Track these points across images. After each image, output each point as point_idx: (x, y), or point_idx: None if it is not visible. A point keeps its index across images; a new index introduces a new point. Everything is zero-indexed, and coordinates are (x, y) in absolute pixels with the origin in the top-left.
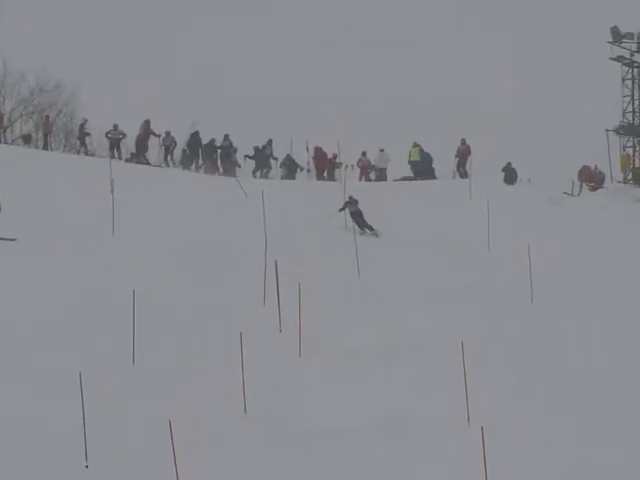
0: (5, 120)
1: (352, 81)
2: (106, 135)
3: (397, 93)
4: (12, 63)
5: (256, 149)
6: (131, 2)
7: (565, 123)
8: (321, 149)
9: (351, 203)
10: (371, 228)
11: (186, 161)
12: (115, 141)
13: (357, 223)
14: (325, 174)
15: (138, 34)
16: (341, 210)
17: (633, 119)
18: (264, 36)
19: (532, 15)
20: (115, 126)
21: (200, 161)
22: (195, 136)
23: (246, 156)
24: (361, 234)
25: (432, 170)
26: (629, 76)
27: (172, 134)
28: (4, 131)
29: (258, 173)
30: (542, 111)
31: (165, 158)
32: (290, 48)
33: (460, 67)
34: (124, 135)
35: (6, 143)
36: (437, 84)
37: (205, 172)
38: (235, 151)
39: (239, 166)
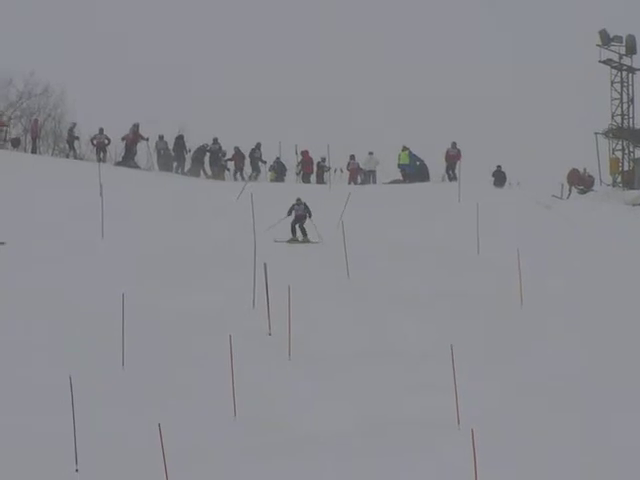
0: None
1: (347, 79)
2: (91, 141)
3: (392, 92)
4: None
5: (236, 150)
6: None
7: (554, 125)
8: (308, 153)
9: (299, 204)
10: (305, 234)
11: (168, 163)
12: (101, 145)
13: (292, 229)
14: (314, 177)
15: (129, 30)
16: (289, 214)
17: (622, 122)
18: (256, 32)
19: (538, 19)
20: (101, 130)
21: (186, 165)
22: (180, 139)
23: (227, 160)
24: (296, 241)
25: (426, 171)
26: (618, 79)
27: (165, 138)
28: None
29: (238, 175)
30: (531, 112)
31: (158, 162)
32: (284, 44)
33: (452, 66)
34: (109, 140)
35: None
36: (432, 82)
37: (190, 175)
38: (224, 154)
39: (228, 169)
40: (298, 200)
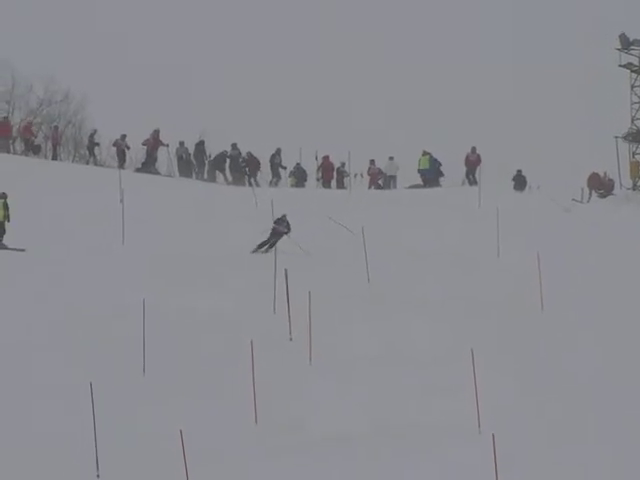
0: (14, 131)
1: (347, 80)
2: (114, 144)
3: (392, 92)
4: (20, 74)
5: (249, 155)
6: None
7: (574, 130)
8: (328, 158)
9: (282, 220)
10: (271, 246)
11: (189, 169)
12: (120, 151)
13: (264, 241)
14: (334, 182)
15: (129, 30)
16: (274, 223)
17: None
18: (256, 33)
19: (538, 19)
20: (123, 136)
21: (205, 170)
22: (200, 145)
23: (245, 165)
24: (262, 252)
25: (440, 174)
26: (638, 83)
27: (185, 144)
28: (13, 141)
29: (252, 180)
30: (551, 118)
31: (178, 168)
32: (284, 44)
33: (466, 72)
34: (128, 147)
35: (15, 153)
36: (433, 82)
37: (209, 181)
38: (244, 160)
39: (248, 175)
40: (283, 216)
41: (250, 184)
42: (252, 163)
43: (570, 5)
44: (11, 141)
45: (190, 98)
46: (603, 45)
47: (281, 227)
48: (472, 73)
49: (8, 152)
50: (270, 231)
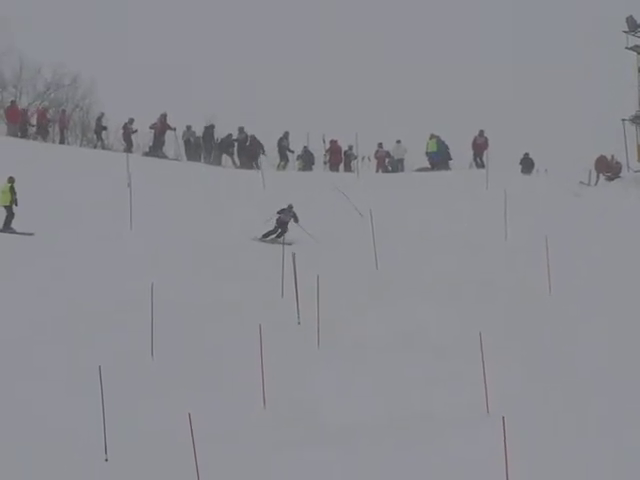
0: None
1: (347, 80)
2: (124, 127)
3: (392, 91)
4: (28, 57)
5: (252, 138)
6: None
7: (581, 113)
8: (336, 142)
9: (287, 210)
10: (279, 236)
11: (197, 153)
12: (128, 134)
13: (270, 230)
14: (342, 166)
15: (129, 30)
16: (278, 213)
17: None
18: (256, 32)
19: (538, 19)
20: (131, 120)
21: (212, 154)
22: (209, 129)
23: (250, 149)
24: (269, 240)
25: (448, 157)
26: None
27: (193, 128)
28: (24, 126)
29: (254, 163)
30: (557, 101)
31: (186, 152)
32: (284, 44)
33: (466, 72)
34: (134, 131)
35: (23, 137)
36: (433, 82)
37: (215, 164)
38: (250, 143)
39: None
40: (289, 206)
41: (253, 167)
42: (255, 146)
43: (570, 5)
44: (32, 126)
45: (190, 98)
46: (603, 41)
47: (287, 217)
48: (472, 73)
49: (20, 136)
50: (275, 221)
